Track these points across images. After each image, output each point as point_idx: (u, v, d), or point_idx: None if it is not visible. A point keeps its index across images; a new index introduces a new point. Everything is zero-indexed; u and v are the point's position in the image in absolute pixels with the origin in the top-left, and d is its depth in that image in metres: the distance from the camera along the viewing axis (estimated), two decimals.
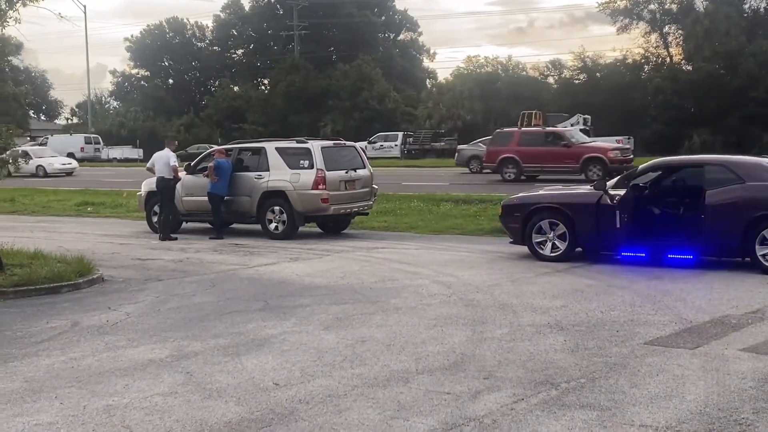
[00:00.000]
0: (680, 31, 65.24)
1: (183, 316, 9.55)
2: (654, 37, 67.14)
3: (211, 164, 17.31)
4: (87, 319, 9.48)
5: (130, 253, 14.99)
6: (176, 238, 16.94)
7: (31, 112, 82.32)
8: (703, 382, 6.57)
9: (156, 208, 17.96)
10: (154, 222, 18.11)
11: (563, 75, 67.16)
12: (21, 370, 7.32)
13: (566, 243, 13.01)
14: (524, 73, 71.92)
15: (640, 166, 13.46)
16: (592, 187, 13.08)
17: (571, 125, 48.14)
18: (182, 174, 17.98)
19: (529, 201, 13.72)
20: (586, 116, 52.50)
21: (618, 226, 12.42)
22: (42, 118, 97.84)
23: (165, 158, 17.28)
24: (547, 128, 33.94)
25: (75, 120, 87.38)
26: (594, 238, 12.82)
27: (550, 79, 69.40)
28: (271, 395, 6.44)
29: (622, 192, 12.61)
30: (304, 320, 9.17)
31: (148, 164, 17.99)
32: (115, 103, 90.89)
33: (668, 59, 65.12)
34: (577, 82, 63.94)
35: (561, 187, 15.40)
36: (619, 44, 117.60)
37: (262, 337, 8.41)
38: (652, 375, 6.81)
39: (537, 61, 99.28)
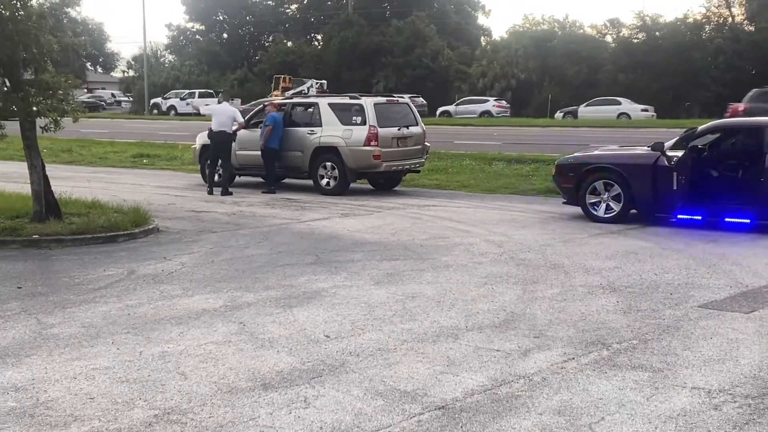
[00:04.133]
0: None
1: (236, 267, 9.67)
2: None
3: (267, 126, 17.28)
4: (143, 268, 9.65)
5: (184, 205, 15.20)
6: (231, 193, 17.10)
7: (88, 64, 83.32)
8: (758, 347, 6.48)
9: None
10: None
11: (621, 34, 65.78)
12: (79, 316, 7.49)
13: (621, 204, 12.85)
14: (581, 31, 70.63)
15: (700, 128, 13.18)
16: (649, 148, 12.86)
17: (308, 89, 56.87)
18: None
19: (584, 161, 13.55)
20: (322, 81, 60.88)
21: (675, 188, 12.22)
22: (99, 70, 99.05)
23: (229, 113, 17.37)
24: None
25: (131, 73, 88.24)
26: (650, 199, 12.63)
27: (608, 38, 68.04)
28: (322, 347, 6.52)
29: (679, 153, 12.38)
30: (355, 275, 9.23)
31: (206, 111, 18.11)
32: (170, 57, 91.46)
33: (730, 19, 63.38)
34: (635, 41, 62.60)
35: (616, 147, 15.16)
36: (679, 3, 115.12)
37: (313, 290, 8.49)
38: (706, 338, 6.73)
39: (594, 22, 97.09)
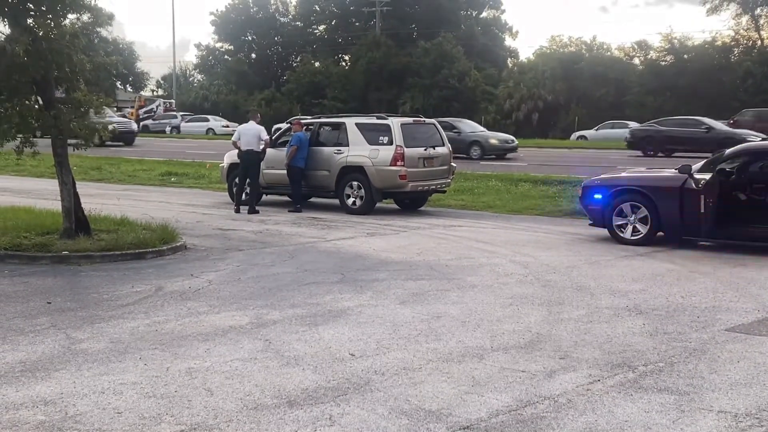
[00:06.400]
0: None
1: (262, 285, 9.73)
2: (745, 19, 65.08)
3: (292, 146, 17.41)
4: (170, 284, 9.74)
5: (211, 223, 15.31)
6: (258, 211, 17.20)
7: (118, 83, 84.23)
8: None
9: (236, 180, 18.18)
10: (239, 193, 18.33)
11: (649, 56, 65.60)
12: (107, 332, 7.57)
13: (648, 227, 12.80)
14: (609, 53, 70.50)
15: (728, 151, 13.12)
16: (677, 171, 12.82)
17: (156, 107, 65.03)
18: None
19: (611, 183, 13.52)
20: (170, 100, 70.15)
21: (702, 211, 12.14)
22: (128, 89, 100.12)
23: (254, 131, 17.50)
24: None
25: (160, 92, 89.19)
26: (677, 222, 12.57)
27: (636, 60, 67.86)
28: (347, 365, 6.54)
29: (707, 176, 12.32)
30: (381, 294, 9.25)
31: (233, 137, 18.20)
32: (199, 77, 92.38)
33: (759, 42, 63.02)
34: (663, 63, 62.39)
35: (644, 169, 15.11)
36: (707, 25, 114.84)
37: (338, 308, 8.52)
38: (733, 361, 6.69)
39: (621, 44, 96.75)
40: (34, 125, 11.72)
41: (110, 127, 12.77)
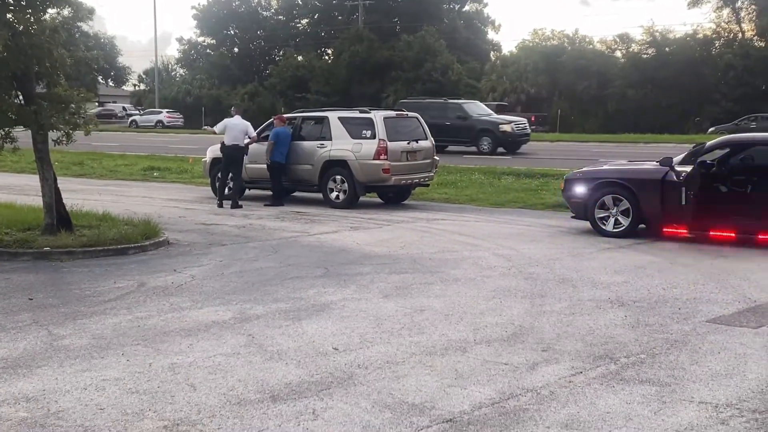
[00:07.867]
0: (753, 6, 63.46)
1: (245, 280, 9.72)
2: (726, 12, 65.42)
3: (270, 141, 17.36)
4: (153, 280, 9.71)
5: (194, 218, 15.26)
6: (241, 206, 17.15)
7: (99, 78, 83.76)
8: (765, 362, 6.49)
9: (219, 175, 18.11)
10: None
11: (631, 49, 65.83)
12: (89, 328, 7.54)
13: (629, 219, 12.86)
14: (591, 46, 70.69)
15: (708, 143, 13.19)
16: (658, 163, 12.88)
17: None
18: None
19: (593, 176, 13.58)
20: None
21: (683, 203, 12.22)
22: (110, 83, 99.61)
23: (241, 127, 17.41)
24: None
25: (142, 87, 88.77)
26: (658, 214, 12.64)
27: (618, 53, 68.09)
28: (330, 359, 6.55)
29: (688, 169, 12.39)
30: (364, 288, 9.26)
31: (218, 129, 17.99)
32: (181, 71, 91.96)
33: (740, 35, 63.37)
34: (645, 56, 62.63)
35: (625, 162, 15.18)
36: (689, 18, 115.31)
37: (322, 302, 8.53)
38: (714, 353, 6.74)
39: (603, 38, 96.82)
40: (14, 120, 11.63)
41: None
